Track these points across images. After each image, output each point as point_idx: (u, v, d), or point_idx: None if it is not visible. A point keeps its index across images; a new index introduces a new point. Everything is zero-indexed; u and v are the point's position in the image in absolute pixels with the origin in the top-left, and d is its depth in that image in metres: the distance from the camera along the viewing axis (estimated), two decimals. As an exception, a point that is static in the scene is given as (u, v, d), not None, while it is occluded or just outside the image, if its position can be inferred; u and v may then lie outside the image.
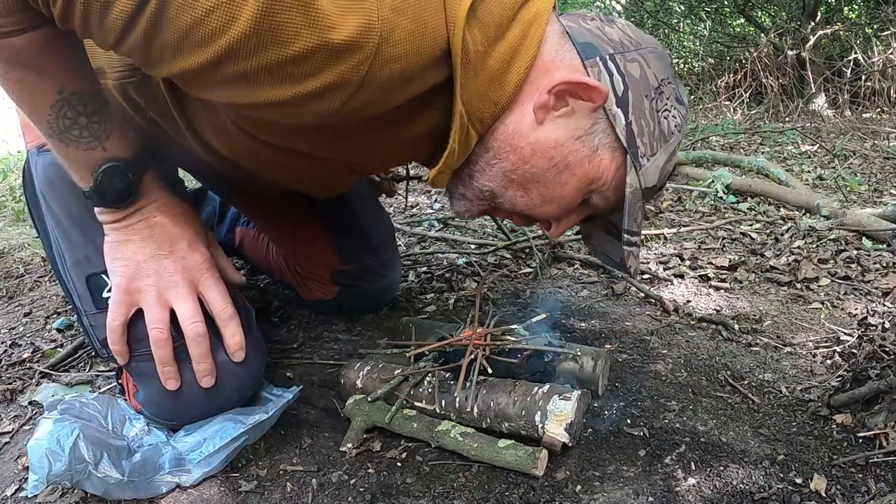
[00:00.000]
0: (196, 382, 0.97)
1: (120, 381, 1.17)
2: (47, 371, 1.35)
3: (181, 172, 1.20)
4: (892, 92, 4.58)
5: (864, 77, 4.73)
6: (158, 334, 0.93)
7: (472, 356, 1.05)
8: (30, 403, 1.23)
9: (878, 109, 4.57)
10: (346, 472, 0.96)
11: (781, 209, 2.28)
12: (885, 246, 1.81)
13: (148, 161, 0.93)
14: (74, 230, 1.03)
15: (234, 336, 0.97)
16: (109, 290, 0.95)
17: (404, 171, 1.55)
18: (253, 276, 1.73)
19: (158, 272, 0.93)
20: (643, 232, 2.01)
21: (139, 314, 0.95)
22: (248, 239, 1.64)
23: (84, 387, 1.28)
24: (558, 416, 0.94)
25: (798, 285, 1.61)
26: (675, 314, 1.47)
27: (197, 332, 0.93)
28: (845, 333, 1.33)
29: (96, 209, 0.93)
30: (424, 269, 1.86)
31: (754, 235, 2.00)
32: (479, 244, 2.01)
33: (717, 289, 1.62)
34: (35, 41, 0.76)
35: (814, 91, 4.76)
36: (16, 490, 0.97)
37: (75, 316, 1.40)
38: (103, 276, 0.98)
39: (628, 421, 1.06)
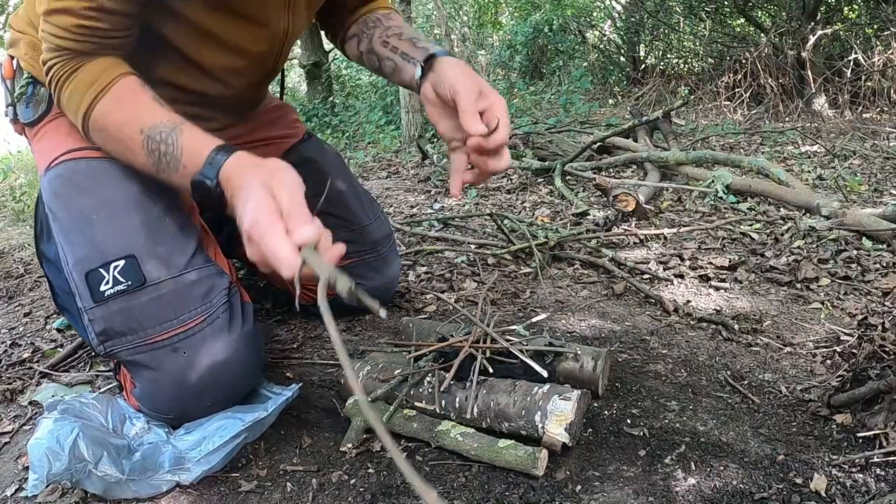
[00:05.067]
0: (190, 371, 0.98)
1: (118, 378, 1.17)
2: (47, 371, 1.35)
3: None
4: (892, 92, 4.57)
5: (864, 77, 4.73)
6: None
7: (467, 354, 1.06)
8: (30, 403, 1.23)
9: (879, 109, 4.56)
10: (346, 472, 0.96)
11: (781, 209, 2.28)
12: (885, 246, 1.80)
13: (219, 156, 0.90)
14: (74, 232, 1.05)
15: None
16: (106, 284, 1.00)
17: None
18: (252, 276, 1.73)
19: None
20: (644, 232, 2.02)
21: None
22: None
23: (84, 387, 1.28)
24: (558, 416, 0.94)
25: (798, 285, 1.61)
26: (675, 314, 1.47)
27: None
28: (845, 333, 1.33)
29: None
30: (424, 269, 1.86)
31: (754, 235, 2.00)
32: (480, 244, 2.01)
33: (717, 289, 1.62)
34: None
35: (814, 91, 4.77)
36: (16, 490, 0.97)
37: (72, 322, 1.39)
38: (101, 271, 1.01)
39: (628, 421, 1.06)
